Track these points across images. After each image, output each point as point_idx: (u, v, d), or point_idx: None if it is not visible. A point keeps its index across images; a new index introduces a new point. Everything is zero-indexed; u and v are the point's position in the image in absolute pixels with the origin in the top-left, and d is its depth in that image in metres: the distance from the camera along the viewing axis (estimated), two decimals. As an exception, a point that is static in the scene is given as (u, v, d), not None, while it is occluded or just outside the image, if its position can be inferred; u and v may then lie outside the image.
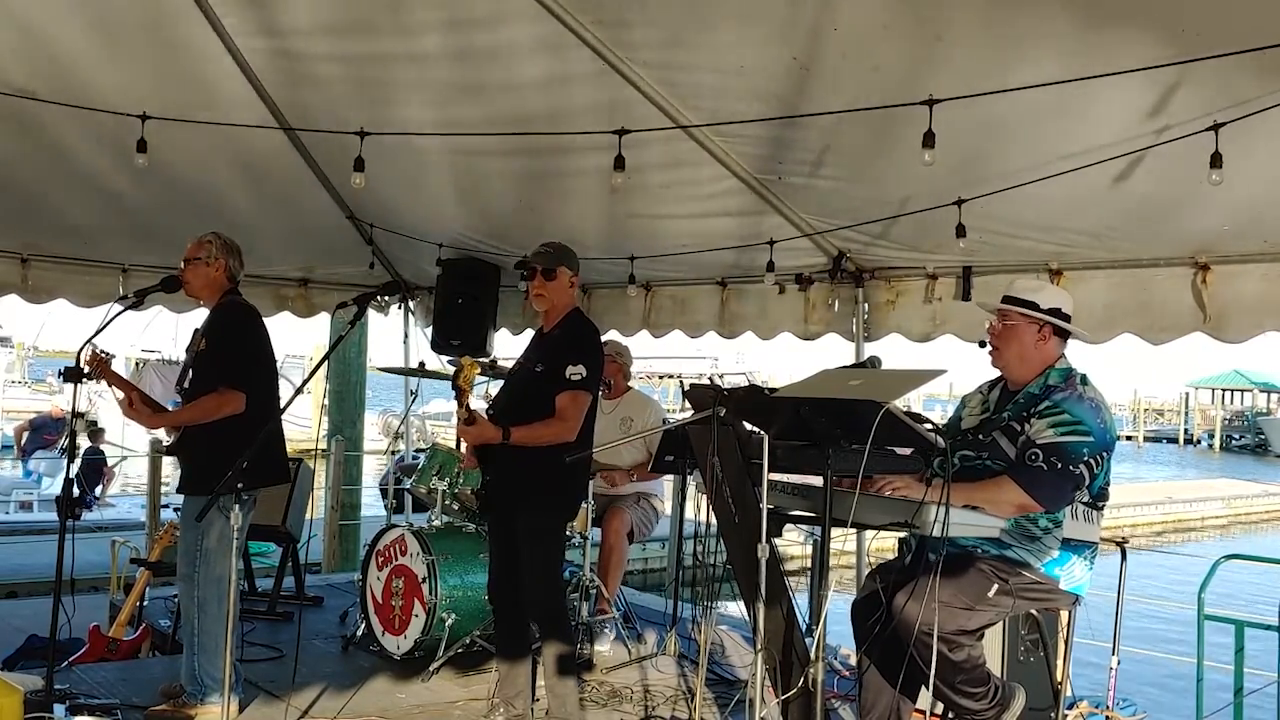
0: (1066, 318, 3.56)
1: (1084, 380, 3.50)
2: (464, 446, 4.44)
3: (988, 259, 4.95)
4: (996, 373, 3.71)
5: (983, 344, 3.66)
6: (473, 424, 4.02)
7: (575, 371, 4.02)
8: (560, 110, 4.75)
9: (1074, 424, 3.36)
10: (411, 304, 7.71)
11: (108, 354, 4.32)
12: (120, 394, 4.38)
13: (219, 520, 4.02)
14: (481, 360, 5.92)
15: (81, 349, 4.24)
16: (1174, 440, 57.88)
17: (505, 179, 5.58)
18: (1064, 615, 3.73)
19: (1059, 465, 3.33)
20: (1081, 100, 3.55)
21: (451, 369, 4.10)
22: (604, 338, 5.92)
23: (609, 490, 5.80)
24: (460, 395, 3.92)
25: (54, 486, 14.40)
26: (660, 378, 44.56)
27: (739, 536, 3.47)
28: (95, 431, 15.91)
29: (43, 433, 16.86)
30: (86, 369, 4.23)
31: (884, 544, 6.49)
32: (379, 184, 5.19)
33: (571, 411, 4.04)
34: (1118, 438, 3.57)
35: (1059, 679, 3.80)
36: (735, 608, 6.28)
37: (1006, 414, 3.54)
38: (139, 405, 4.36)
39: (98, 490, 15.32)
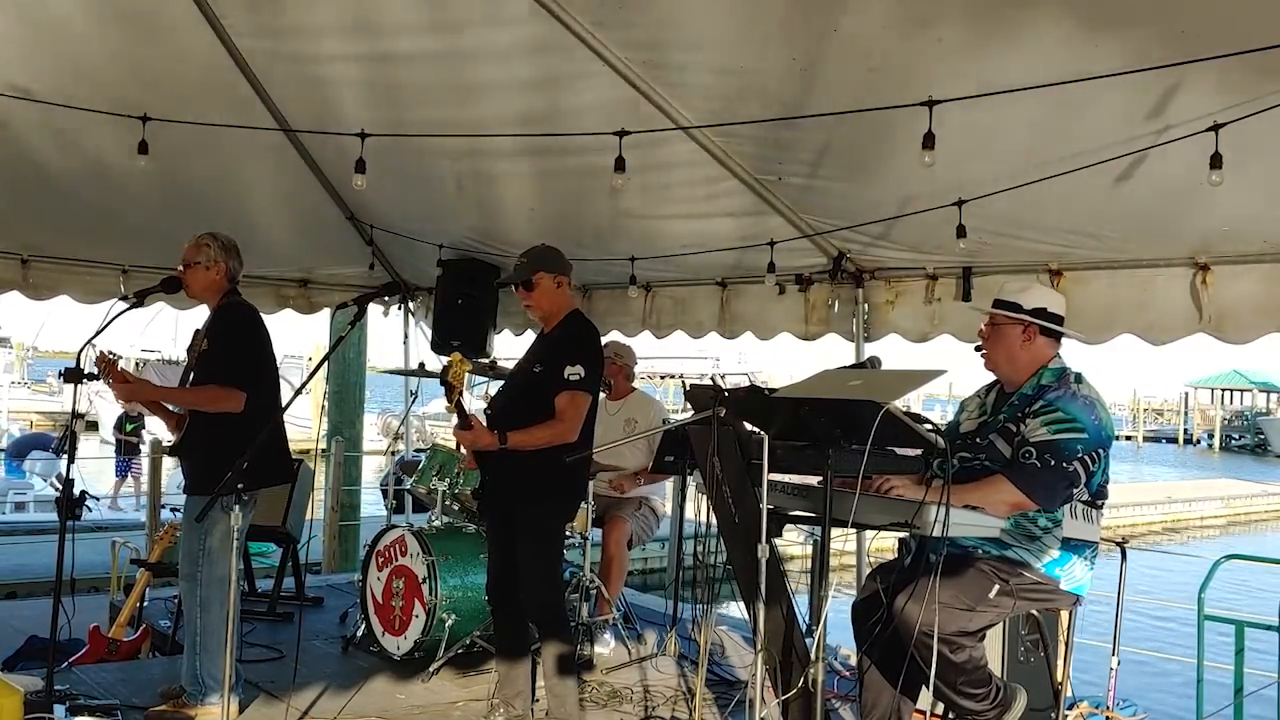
0: (1054, 318, 3.57)
1: (1078, 379, 3.51)
2: (463, 448, 4.44)
3: (988, 259, 4.96)
4: (993, 374, 3.72)
5: (978, 348, 3.68)
6: (469, 428, 4.02)
7: (574, 372, 4.02)
8: (560, 111, 4.75)
9: (1068, 422, 3.37)
10: (411, 305, 7.71)
11: (115, 355, 4.34)
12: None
13: (222, 520, 4.02)
14: (480, 361, 5.93)
15: (82, 349, 4.24)
16: (1174, 440, 57.88)
17: (505, 180, 5.58)
18: (1064, 615, 3.74)
19: (1052, 462, 3.34)
20: (1081, 100, 3.55)
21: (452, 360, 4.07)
22: (607, 339, 5.93)
23: (614, 495, 5.80)
24: (450, 391, 3.88)
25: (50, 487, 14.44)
26: (662, 378, 44.58)
27: (739, 536, 3.47)
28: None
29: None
30: (95, 370, 4.24)
31: (884, 544, 6.49)
32: (379, 185, 5.19)
33: (570, 413, 4.03)
34: (1115, 436, 3.58)
35: (1059, 679, 3.80)
36: (735, 608, 6.28)
37: (1002, 416, 3.55)
38: (136, 381, 4.43)
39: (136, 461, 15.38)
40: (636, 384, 6.13)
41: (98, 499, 14.07)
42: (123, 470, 16.39)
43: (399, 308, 7.77)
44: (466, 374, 3.92)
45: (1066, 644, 3.77)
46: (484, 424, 4.11)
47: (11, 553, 10.21)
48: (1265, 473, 36.81)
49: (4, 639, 6.18)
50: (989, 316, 3.64)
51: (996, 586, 3.38)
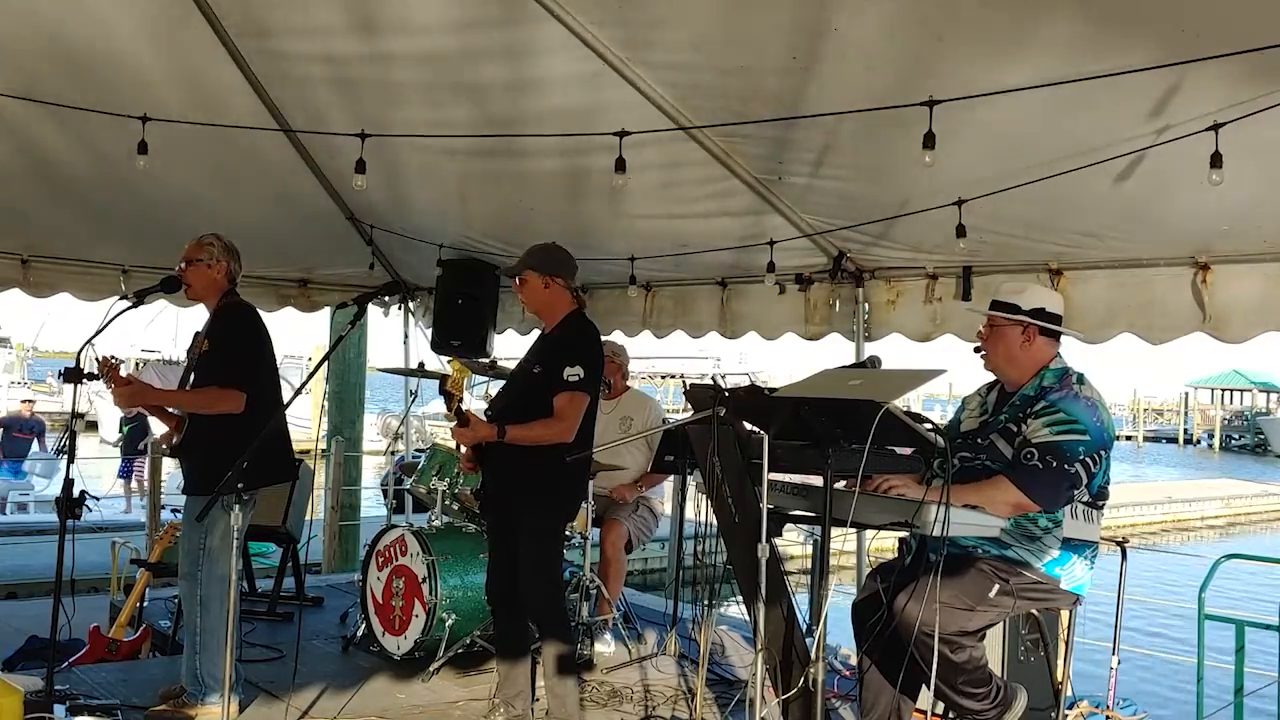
0: (1052, 318, 3.57)
1: (1080, 380, 3.50)
2: (462, 450, 4.44)
3: (988, 259, 4.95)
4: (994, 375, 3.72)
5: (977, 349, 3.68)
6: (466, 424, 4.03)
7: (573, 372, 4.03)
8: (561, 111, 4.74)
9: (1069, 423, 3.37)
10: (411, 304, 7.71)
11: (116, 359, 4.36)
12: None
13: (222, 519, 4.02)
14: (480, 361, 5.93)
15: (81, 349, 4.24)
16: (1174, 440, 57.85)
17: (506, 180, 5.58)
18: (1064, 615, 3.74)
19: (1055, 464, 3.34)
20: (1081, 100, 3.54)
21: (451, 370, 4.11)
22: (605, 338, 5.93)
23: (613, 498, 5.80)
24: (449, 400, 3.94)
25: (51, 487, 14.44)
26: (663, 378, 44.61)
27: (739, 536, 3.47)
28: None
29: (12, 431, 16.86)
30: (97, 373, 4.25)
31: (884, 544, 6.49)
32: (379, 185, 5.19)
33: (569, 412, 4.04)
34: (1116, 437, 3.58)
35: (1059, 679, 3.80)
36: (735, 608, 6.28)
37: (1003, 416, 3.55)
38: (136, 384, 4.41)
39: (143, 444, 15.38)
40: (636, 384, 6.14)
41: (98, 499, 14.06)
42: (125, 472, 16.47)
43: (399, 308, 7.77)
44: (465, 380, 3.97)
45: (1066, 644, 3.77)
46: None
47: (12, 553, 10.21)
48: (1265, 473, 36.80)
49: (4, 639, 6.18)
50: (988, 318, 3.64)
51: (996, 586, 3.38)
